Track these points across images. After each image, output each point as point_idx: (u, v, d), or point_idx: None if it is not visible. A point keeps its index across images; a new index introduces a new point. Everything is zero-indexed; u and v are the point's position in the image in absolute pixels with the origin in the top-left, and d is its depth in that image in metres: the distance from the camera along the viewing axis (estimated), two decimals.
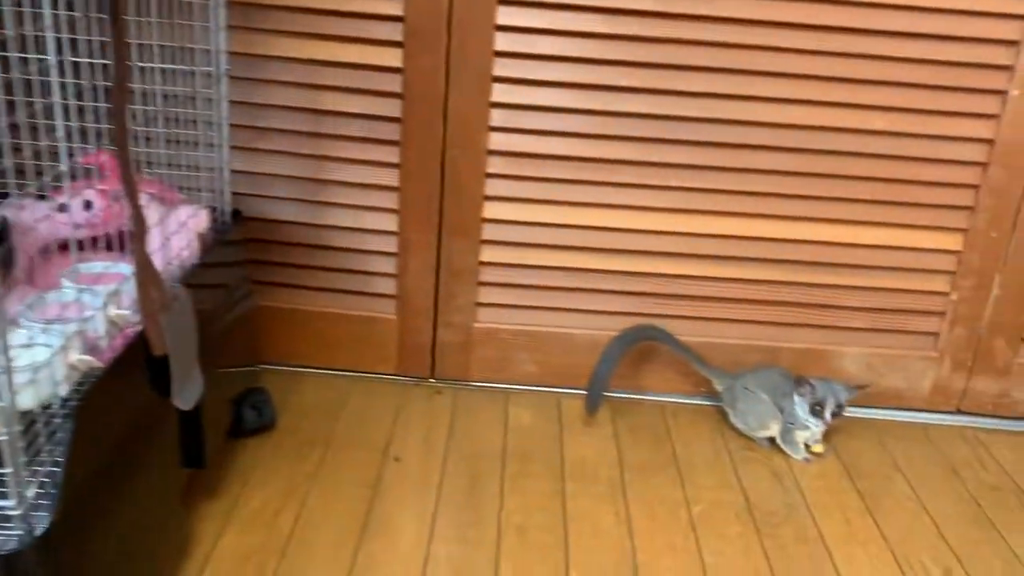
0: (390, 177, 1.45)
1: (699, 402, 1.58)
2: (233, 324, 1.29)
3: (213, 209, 1.24)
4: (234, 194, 1.45)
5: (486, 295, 1.53)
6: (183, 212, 1.13)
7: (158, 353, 0.96)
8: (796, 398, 1.40)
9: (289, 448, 1.36)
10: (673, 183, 1.45)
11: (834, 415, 1.38)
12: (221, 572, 1.10)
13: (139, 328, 0.94)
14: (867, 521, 1.30)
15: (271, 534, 1.17)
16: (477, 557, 1.16)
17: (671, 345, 1.51)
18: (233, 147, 1.42)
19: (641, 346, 1.54)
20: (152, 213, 1.07)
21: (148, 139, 1.23)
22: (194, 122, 1.24)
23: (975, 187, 1.46)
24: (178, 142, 1.23)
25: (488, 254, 1.49)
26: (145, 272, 0.92)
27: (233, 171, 1.43)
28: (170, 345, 0.98)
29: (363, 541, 1.17)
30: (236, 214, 1.31)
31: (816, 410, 1.38)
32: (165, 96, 1.23)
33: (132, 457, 0.94)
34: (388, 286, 1.52)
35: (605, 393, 1.49)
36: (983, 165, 1.44)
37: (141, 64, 1.16)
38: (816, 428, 1.40)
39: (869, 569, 1.20)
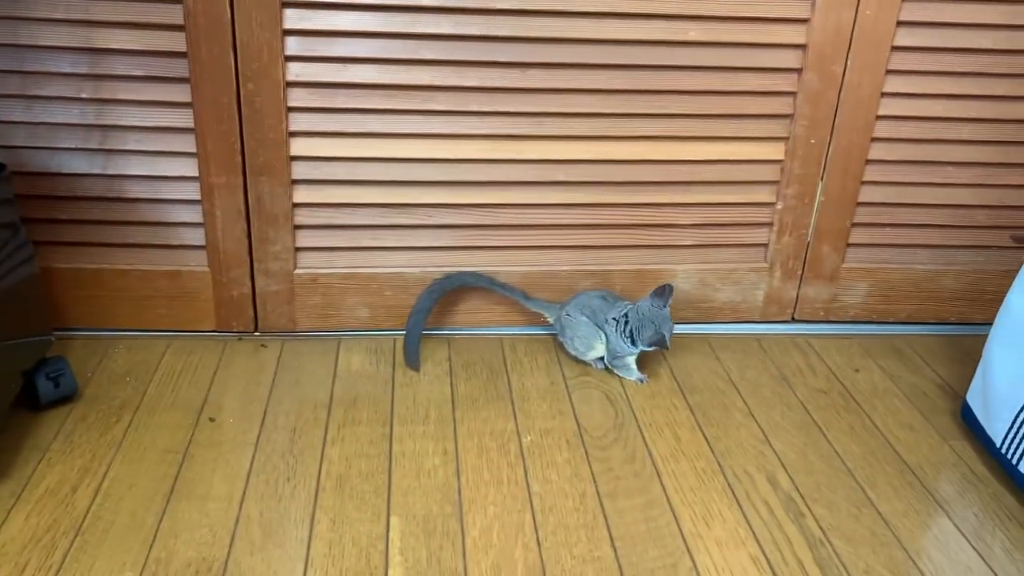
0: (183, 118, 1.33)
1: (537, 332, 1.55)
2: (10, 291, 1.17)
3: None
4: (7, 147, 1.32)
5: (304, 239, 1.44)
6: None
7: None
8: (612, 332, 1.40)
9: (94, 418, 1.26)
10: (488, 108, 1.39)
11: (653, 344, 1.38)
12: (5, 559, 1.01)
13: None
14: (696, 436, 1.30)
15: (66, 512, 1.08)
16: (292, 512, 1.10)
17: (490, 287, 1.47)
18: None
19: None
20: None
21: None
22: None
23: (792, 94, 1.45)
24: None
25: (301, 195, 1.41)
26: None
27: (2, 122, 1.31)
28: None
29: (168, 509, 1.10)
30: (0, 168, 1.18)
31: (631, 334, 1.38)
32: None
33: None
34: (196, 236, 1.42)
35: (423, 333, 1.44)
36: (798, 71, 1.43)
37: None
38: (642, 349, 1.40)
39: (696, 482, 1.20)
